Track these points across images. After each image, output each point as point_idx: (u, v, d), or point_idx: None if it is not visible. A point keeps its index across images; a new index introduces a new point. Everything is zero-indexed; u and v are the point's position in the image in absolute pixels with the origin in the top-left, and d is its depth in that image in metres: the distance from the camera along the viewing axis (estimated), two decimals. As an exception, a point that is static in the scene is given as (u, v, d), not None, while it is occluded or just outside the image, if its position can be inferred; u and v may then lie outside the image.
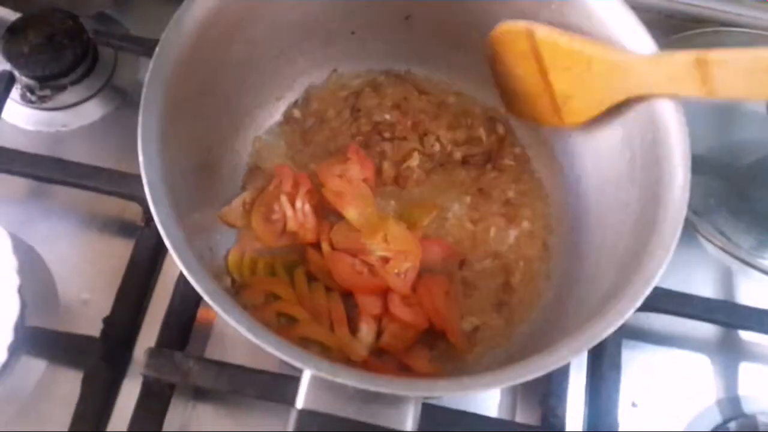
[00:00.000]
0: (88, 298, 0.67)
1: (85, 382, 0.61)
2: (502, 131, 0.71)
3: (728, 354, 0.72)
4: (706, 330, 0.72)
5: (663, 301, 0.66)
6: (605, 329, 0.44)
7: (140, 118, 0.48)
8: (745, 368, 0.71)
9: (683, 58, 0.49)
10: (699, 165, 0.76)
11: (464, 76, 0.70)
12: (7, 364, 0.58)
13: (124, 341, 0.64)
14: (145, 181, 0.46)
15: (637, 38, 0.53)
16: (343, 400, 0.43)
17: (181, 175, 0.52)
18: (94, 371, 0.61)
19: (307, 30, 0.64)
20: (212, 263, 0.62)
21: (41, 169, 0.66)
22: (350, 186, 0.63)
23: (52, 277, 0.67)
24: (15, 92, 0.74)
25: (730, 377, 0.71)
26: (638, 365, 0.70)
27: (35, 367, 0.64)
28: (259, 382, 0.58)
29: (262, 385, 0.58)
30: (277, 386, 0.58)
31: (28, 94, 0.74)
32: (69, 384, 0.62)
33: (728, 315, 0.68)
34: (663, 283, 0.65)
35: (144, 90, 0.49)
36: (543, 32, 0.56)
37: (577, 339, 0.44)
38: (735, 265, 0.74)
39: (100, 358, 0.61)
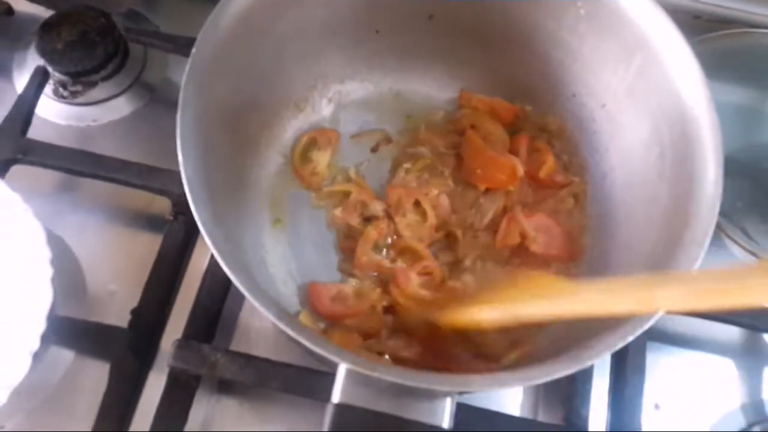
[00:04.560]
0: (115, 289, 0.68)
1: (113, 372, 0.62)
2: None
3: (753, 358, 0.71)
4: (731, 333, 0.71)
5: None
6: (639, 326, 0.44)
7: (178, 119, 0.49)
8: (771, 370, 0.71)
9: None
10: (727, 166, 0.77)
11: (486, 75, 0.71)
12: (37, 354, 0.59)
13: (151, 333, 0.65)
14: (184, 177, 0.47)
15: (668, 36, 0.53)
16: (378, 395, 0.43)
17: (214, 172, 0.52)
18: (121, 361, 0.62)
19: (332, 30, 0.65)
20: (242, 259, 0.62)
21: (73, 162, 0.67)
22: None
23: (80, 268, 0.68)
24: (48, 87, 0.75)
25: (754, 381, 0.70)
26: (662, 367, 0.69)
27: (63, 357, 0.65)
28: (285, 376, 0.59)
29: (288, 378, 0.59)
30: (302, 380, 0.58)
31: (61, 90, 0.75)
32: (96, 375, 0.62)
33: (754, 318, 0.67)
34: None
35: (182, 90, 0.50)
36: None
37: (611, 335, 0.44)
38: (761, 268, 0.73)
39: (128, 348, 0.62)
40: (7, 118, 0.69)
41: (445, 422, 0.43)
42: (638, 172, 0.57)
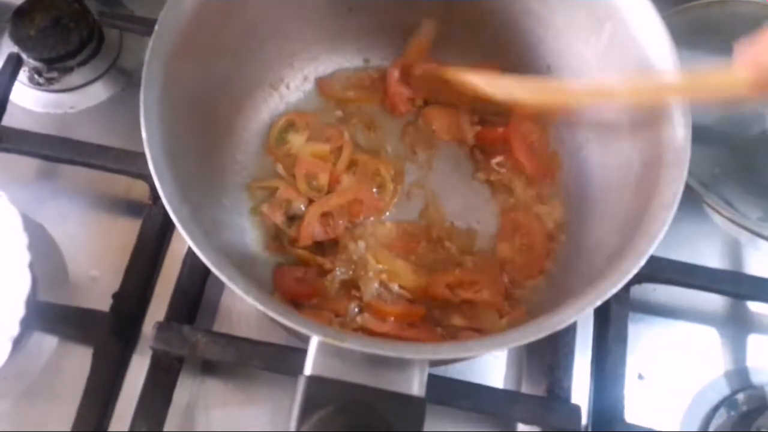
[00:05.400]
0: (96, 275, 0.68)
1: (96, 356, 0.62)
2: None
3: (737, 326, 0.71)
4: (714, 302, 0.71)
5: (668, 271, 0.67)
6: (610, 288, 0.44)
7: (141, 96, 0.49)
8: (753, 340, 0.71)
9: None
10: (706, 135, 0.76)
11: (463, 50, 0.70)
12: (19, 339, 0.59)
13: (133, 316, 0.65)
14: (148, 154, 0.47)
15: (636, 2, 0.53)
16: (350, 366, 0.43)
17: (184, 152, 0.52)
18: (104, 345, 0.62)
19: (304, 7, 0.65)
20: (218, 239, 0.62)
21: (50, 148, 0.67)
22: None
23: (61, 255, 0.69)
24: (23, 75, 0.75)
25: (738, 349, 0.70)
26: (646, 338, 0.70)
27: (47, 343, 0.65)
28: (265, 354, 0.59)
29: (269, 356, 0.59)
30: (283, 358, 0.58)
31: (36, 77, 0.75)
32: (79, 359, 0.63)
33: (735, 285, 0.67)
34: (670, 254, 0.66)
35: (144, 68, 0.49)
36: None
37: (582, 299, 0.44)
38: (743, 236, 0.74)
39: (110, 332, 0.62)
40: (-20, 106, 0.69)
41: (416, 390, 0.43)
42: (611, 141, 0.57)
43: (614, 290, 0.44)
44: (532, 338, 0.43)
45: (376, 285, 0.60)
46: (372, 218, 0.64)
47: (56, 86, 0.75)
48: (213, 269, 0.43)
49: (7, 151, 0.67)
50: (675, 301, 0.71)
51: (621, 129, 0.56)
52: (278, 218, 0.63)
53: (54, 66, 0.75)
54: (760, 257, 0.74)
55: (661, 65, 0.51)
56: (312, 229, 0.61)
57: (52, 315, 0.63)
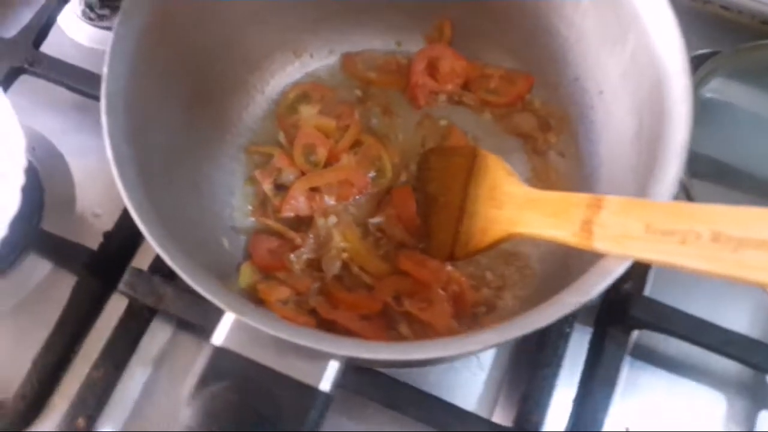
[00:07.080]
0: (100, 213, 0.69)
1: (75, 291, 0.63)
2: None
3: (749, 398, 0.64)
4: (729, 367, 0.64)
5: (675, 323, 0.61)
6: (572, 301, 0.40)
7: (115, 27, 0.50)
8: (765, 417, 0.63)
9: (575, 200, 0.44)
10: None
11: (497, 49, 0.67)
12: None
13: (120, 258, 0.65)
14: (103, 92, 0.48)
15: (659, 15, 0.47)
16: (261, 346, 0.42)
17: (167, 97, 0.53)
18: (84, 281, 0.64)
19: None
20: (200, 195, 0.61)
21: (74, 79, 0.69)
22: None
23: (73, 187, 0.70)
24: (78, 8, 0.78)
25: (745, 422, 0.63)
26: (645, 390, 0.64)
27: (41, 267, 0.67)
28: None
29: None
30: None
31: (88, 11, 0.78)
32: (65, 290, 0.64)
33: (748, 352, 0.60)
34: (693, 308, 0.61)
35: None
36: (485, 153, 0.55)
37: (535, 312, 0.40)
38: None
39: (91, 269, 0.64)
40: (24, 29, 0.72)
41: (324, 384, 0.41)
42: (619, 170, 0.52)
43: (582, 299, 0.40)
44: (460, 350, 0.39)
45: (338, 264, 0.57)
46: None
47: (105, 23, 0.78)
48: (130, 208, 0.43)
49: (37, 75, 0.69)
50: (684, 355, 0.65)
51: (631, 156, 0.50)
52: (267, 185, 0.62)
53: (106, 3, 0.77)
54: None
55: (672, 91, 0.45)
56: (296, 202, 0.59)
57: (46, 242, 0.65)
